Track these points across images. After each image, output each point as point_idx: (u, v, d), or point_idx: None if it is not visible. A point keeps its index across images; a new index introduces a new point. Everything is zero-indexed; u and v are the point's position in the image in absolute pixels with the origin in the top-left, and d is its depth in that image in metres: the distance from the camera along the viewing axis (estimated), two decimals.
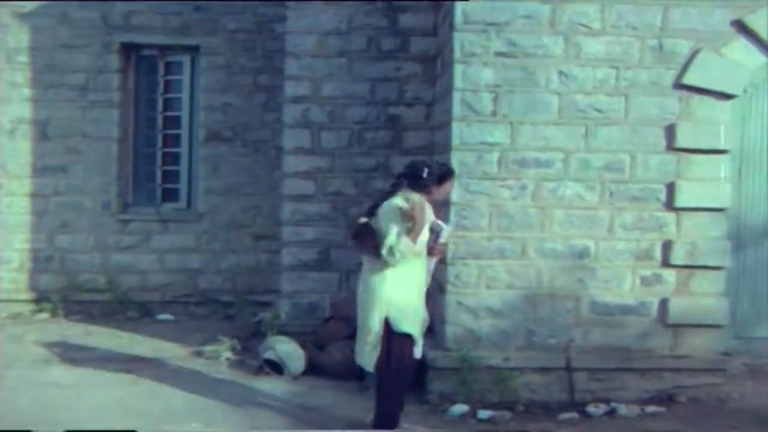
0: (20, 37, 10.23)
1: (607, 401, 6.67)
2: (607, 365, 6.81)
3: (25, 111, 10.29)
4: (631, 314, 6.93)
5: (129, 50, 10.52)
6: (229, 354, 8.10)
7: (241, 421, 6.24)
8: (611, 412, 6.54)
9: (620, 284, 6.93)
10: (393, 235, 5.52)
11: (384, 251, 5.51)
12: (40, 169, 10.35)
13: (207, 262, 10.49)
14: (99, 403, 6.58)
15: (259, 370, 7.53)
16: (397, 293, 5.59)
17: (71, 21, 10.28)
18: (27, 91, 10.28)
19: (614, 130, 6.89)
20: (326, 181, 8.50)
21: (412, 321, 5.68)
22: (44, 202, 10.37)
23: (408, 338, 5.65)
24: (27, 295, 10.30)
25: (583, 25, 6.84)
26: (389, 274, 5.59)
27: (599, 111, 6.87)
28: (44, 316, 10.06)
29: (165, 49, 10.58)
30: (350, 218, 8.42)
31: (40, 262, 10.39)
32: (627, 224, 6.91)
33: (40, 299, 10.24)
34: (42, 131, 10.32)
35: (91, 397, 6.75)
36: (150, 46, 10.54)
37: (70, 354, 8.12)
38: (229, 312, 9.91)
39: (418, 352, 5.80)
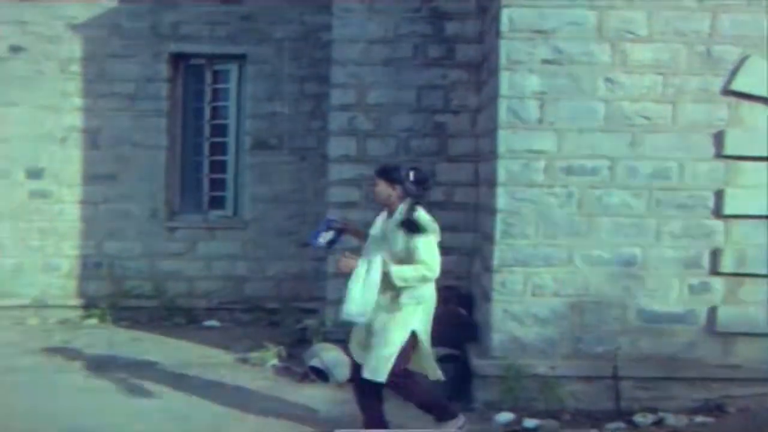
0: (73, 47, 10.41)
1: (654, 411, 6.60)
2: (655, 374, 6.75)
3: (77, 120, 10.47)
4: (679, 323, 6.86)
5: (177, 59, 10.66)
6: (274, 361, 8.16)
7: (287, 428, 6.27)
8: (659, 422, 6.46)
9: (668, 292, 6.87)
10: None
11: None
12: (90, 177, 10.51)
13: (253, 269, 10.58)
14: (144, 408, 6.67)
15: (304, 377, 7.56)
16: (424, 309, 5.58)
17: (122, 31, 10.45)
18: (79, 101, 10.46)
19: (661, 137, 6.83)
20: (372, 189, 8.51)
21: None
22: (94, 209, 10.54)
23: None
24: (76, 301, 10.47)
25: (629, 31, 6.80)
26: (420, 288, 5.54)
27: (646, 118, 6.82)
28: (93, 321, 10.20)
29: (212, 58, 10.71)
30: None
31: (89, 268, 10.56)
32: (675, 232, 6.85)
33: (89, 305, 10.39)
34: (92, 140, 10.49)
35: (136, 402, 6.85)
36: (198, 56, 10.68)
37: (118, 359, 8.25)
38: (274, 319, 9.95)
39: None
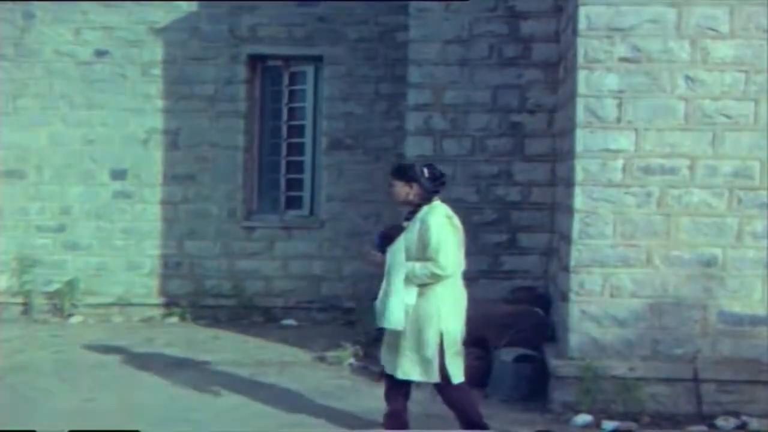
0: (154, 51, 10.65)
1: (737, 414, 6.47)
2: (737, 377, 6.60)
3: (158, 121, 10.70)
4: (762, 325, 6.69)
5: (255, 61, 10.82)
6: (351, 360, 8.24)
7: (366, 425, 6.32)
8: (742, 426, 6.35)
9: (749, 294, 6.72)
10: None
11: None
12: (170, 178, 10.74)
13: (329, 269, 10.67)
14: (228, 406, 6.79)
15: (381, 377, 7.58)
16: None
17: (201, 34, 10.65)
18: (160, 103, 10.69)
19: (743, 135, 6.69)
20: (447, 188, 8.50)
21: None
22: (174, 209, 10.76)
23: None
24: (158, 300, 10.71)
25: (710, 28, 6.68)
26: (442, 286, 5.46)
27: (727, 116, 6.69)
28: (174, 320, 10.43)
29: (289, 59, 10.85)
30: (472, 226, 8.44)
31: (169, 267, 10.78)
32: (757, 232, 6.70)
33: (170, 304, 10.63)
34: (173, 141, 10.71)
35: (217, 399, 6.95)
36: (275, 57, 10.83)
37: (200, 357, 8.40)
38: (350, 318, 9.98)
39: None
